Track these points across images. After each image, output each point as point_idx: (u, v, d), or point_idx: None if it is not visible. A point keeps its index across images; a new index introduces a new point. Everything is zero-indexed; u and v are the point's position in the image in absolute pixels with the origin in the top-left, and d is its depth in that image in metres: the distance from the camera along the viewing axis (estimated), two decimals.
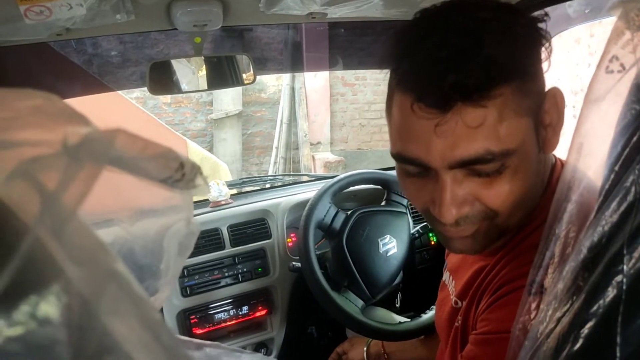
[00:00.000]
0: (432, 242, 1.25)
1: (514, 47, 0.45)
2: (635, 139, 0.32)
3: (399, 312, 1.11)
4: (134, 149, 0.17)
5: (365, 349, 1.02)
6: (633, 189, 0.30)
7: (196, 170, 0.25)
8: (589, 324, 0.30)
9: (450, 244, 0.53)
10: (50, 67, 1.17)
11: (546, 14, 0.48)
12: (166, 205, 0.29)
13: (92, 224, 0.29)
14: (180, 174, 0.23)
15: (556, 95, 0.50)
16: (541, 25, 0.48)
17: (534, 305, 0.38)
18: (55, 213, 0.14)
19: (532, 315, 0.38)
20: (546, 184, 0.55)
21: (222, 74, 1.04)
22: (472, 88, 0.43)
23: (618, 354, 0.27)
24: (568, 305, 0.33)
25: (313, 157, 5.10)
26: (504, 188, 0.47)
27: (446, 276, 0.73)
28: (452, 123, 0.44)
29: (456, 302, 0.64)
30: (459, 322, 0.61)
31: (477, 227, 0.50)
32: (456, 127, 0.44)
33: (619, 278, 0.29)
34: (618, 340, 0.27)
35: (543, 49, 0.48)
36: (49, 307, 0.13)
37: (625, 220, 0.30)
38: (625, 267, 0.29)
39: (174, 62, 0.96)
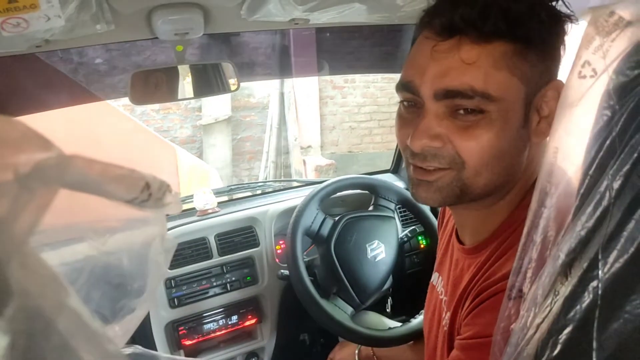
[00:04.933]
0: (422, 246, 1.26)
1: (530, 15, 0.48)
2: (607, 144, 0.32)
3: (390, 317, 1.11)
4: (92, 173, 0.17)
5: (356, 352, 1.02)
6: (607, 194, 0.31)
7: (164, 188, 0.25)
8: (567, 330, 0.30)
9: (416, 191, 0.56)
10: (36, 77, 1.15)
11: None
12: (137, 220, 0.29)
13: (62, 242, 0.28)
14: (146, 194, 0.23)
15: (560, 88, 0.51)
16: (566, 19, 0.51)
17: (513, 310, 0.38)
18: (4, 243, 0.14)
19: (512, 320, 0.38)
20: (532, 184, 0.55)
21: (206, 81, 1.03)
22: (476, 23, 0.47)
23: (594, 359, 0.27)
24: (547, 311, 0.33)
25: (304, 161, 5.09)
26: (477, 138, 0.49)
27: (434, 277, 0.73)
28: (449, 52, 0.49)
29: (446, 302, 0.64)
30: (447, 326, 0.61)
31: (442, 174, 0.52)
32: (452, 58, 0.49)
33: (594, 283, 0.29)
34: (594, 345, 0.27)
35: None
36: None
37: (601, 225, 0.30)
38: (600, 272, 0.29)
39: (156, 71, 0.95)
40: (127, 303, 0.32)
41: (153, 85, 0.93)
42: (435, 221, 1.18)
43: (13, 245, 0.14)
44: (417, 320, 1.00)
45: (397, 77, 0.57)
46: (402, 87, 0.54)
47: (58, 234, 0.26)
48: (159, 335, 1.12)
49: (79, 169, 0.16)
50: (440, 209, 0.82)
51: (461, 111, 0.49)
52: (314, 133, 5.24)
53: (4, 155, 0.16)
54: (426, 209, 1.20)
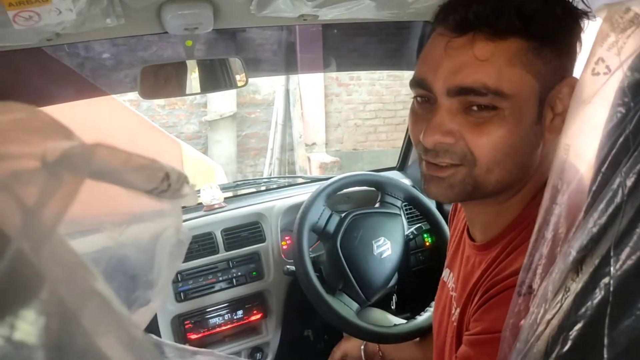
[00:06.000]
0: (427, 243, 1.26)
1: (545, 11, 0.48)
2: (621, 141, 0.32)
3: (395, 314, 1.12)
4: (115, 162, 0.17)
5: (362, 347, 1.02)
6: (620, 192, 0.31)
7: (183, 179, 0.25)
8: (577, 326, 0.30)
9: (428, 187, 0.56)
10: (43, 71, 1.16)
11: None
12: (154, 211, 0.29)
13: (79, 232, 0.29)
14: (166, 184, 0.23)
15: (574, 85, 0.50)
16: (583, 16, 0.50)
17: (523, 307, 0.38)
18: (35, 230, 0.14)
19: (521, 316, 0.38)
20: (545, 180, 0.55)
21: (214, 76, 1.04)
22: (490, 19, 0.47)
23: (605, 355, 0.27)
24: (557, 308, 0.33)
25: (308, 158, 5.09)
26: (489, 135, 0.49)
27: (445, 273, 0.73)
28: (462, 49, 0.49)
29: (456, 298, 0.64)
30: (456, 321, 0.61)
31: (454, 171, 0.52)
32: (466, 54, 0.49)
33: (606, 280, 0.29)
34: (605, 341, 0.27)
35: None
36: (27, 328, 0.12)
37: (613, 222, 0.30)
38: (612, 269, 0.29)
39: (165, 66, 0.95)
40: (142, 294, 0.32)
41: (162, 80, 0.94)
42: (441, 219, 1.18)
43: (43, 233, 0.14)
44: (423, 317, 1.00)
45: (403, 74, 0.57)
46: (415, 83, 0.55)
47: (75, 224, 0.27)
48: (165, 328, 1.13)
49: (103, 158, 0.16)
50: (451, 206, 0.82)
51: (474, 107, 0.49)
52: (318, 130, 5.24)
53: (31, 143, 0.16)
54: (432, 206, 1.20)
